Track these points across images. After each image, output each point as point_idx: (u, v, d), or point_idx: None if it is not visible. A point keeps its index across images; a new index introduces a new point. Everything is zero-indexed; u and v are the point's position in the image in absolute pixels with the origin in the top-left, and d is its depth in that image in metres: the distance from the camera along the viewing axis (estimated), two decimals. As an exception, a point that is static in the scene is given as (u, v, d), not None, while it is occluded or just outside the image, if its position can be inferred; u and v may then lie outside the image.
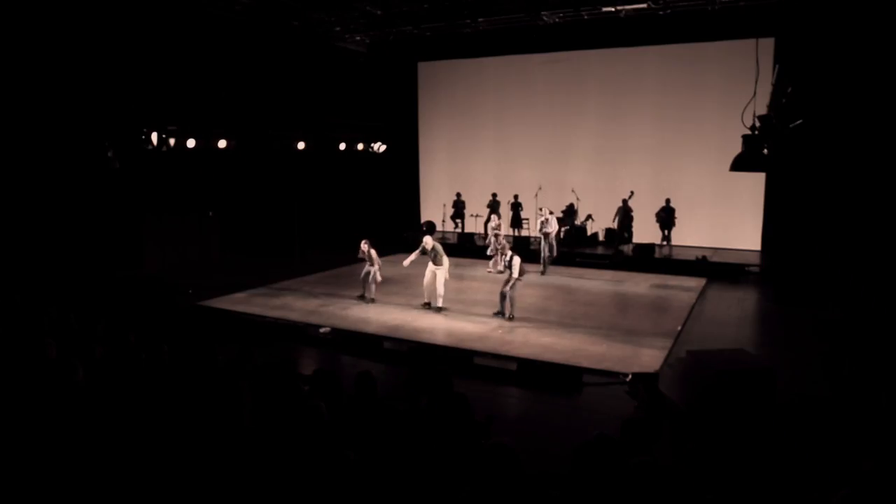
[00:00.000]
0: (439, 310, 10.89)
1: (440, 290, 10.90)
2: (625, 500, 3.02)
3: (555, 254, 14.63)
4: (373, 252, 11.44)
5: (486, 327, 10.06)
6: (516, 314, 10.48)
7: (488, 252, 15.17)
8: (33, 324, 6.64)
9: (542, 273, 14.14)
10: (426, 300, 11.11)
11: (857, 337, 9.35)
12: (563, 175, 17.91)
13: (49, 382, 4.27)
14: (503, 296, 10.47)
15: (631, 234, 16.66)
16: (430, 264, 10.99)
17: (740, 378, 6.37)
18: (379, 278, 11.53)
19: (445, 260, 10.93)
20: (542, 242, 14.34)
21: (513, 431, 4.61)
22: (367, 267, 11.60)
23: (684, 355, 7.49)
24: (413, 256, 11.17)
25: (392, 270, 12.20)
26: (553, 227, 14.49)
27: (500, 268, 10.64)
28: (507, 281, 10.40)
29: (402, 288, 12.63)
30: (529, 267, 11.12)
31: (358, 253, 11.60)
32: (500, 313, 10.49)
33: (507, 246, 10.71)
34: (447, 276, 10.99)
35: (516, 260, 10.28)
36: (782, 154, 7.16)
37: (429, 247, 10.93)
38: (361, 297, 11.71)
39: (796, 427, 5.86)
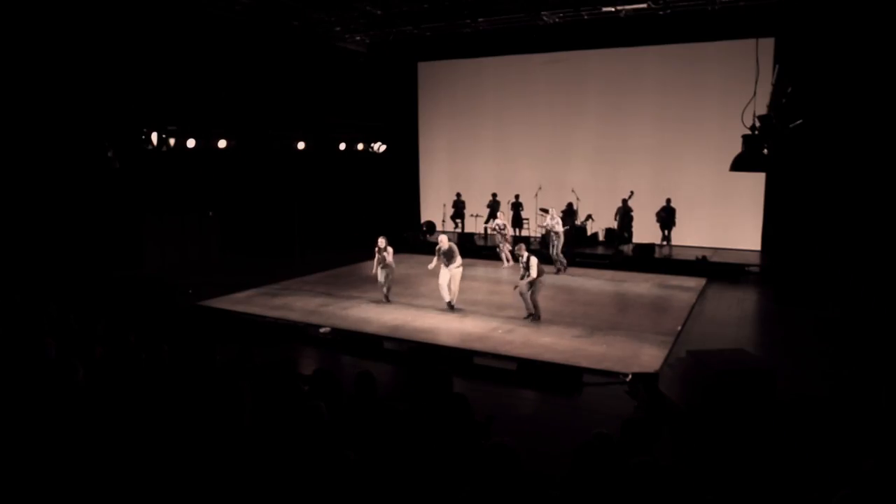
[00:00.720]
0: (452, 307, 10.93)
1: (455, 288, 10.92)
2: (625, 500, 3.02)
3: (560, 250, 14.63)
4: (390, 250, 11.35)
5: (486, 327, 10.06)
6: (518, 313, 10.51)
7: (511, 251, 15.13)
8: (33, 324, 6.64)
9: (559, 271, 14.27)
10: (447, 300, 11.02)
11: (857, 337, 9.35)
12: (563, 175, 17.91)
13: (49, 382, 4.26)
14: (525, 298, 10.35)
15: (631, 234, 16.67)
16: (443, 267, 10.92)
17: (740, 378, 6.37)
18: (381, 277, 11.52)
19: (458, 259, 10.88)
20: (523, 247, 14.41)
21: (513, 431, 4.60)
22: (379, 268, 11.46)
23: (684, 355, 7.49)
24: (435, 261, 11.07)
25: (392, 271, 12.19)
26: (557, 227, 14.56)
27: (521, 272, 10.46)
28: (530, 283, 10.22)
29: (403, 288, 12.63)
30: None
31: (375, 249, 11.38)
32: (531, 315, 10.34)
33: (523, 247, 10.54)
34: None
35: (533, 260, 10.16)
36: (782, 154, 7.17)
37: (445, 247, 10.87)
38: (387, 299, 11.64)
39: (796, 427, 5.86)
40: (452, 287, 10.92)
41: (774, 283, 13.03)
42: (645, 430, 3.71)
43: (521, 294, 10.38)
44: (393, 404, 4.41)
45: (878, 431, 5.62)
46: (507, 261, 15.25)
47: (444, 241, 10.99)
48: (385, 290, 11.60)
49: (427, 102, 20.53)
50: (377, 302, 11.66)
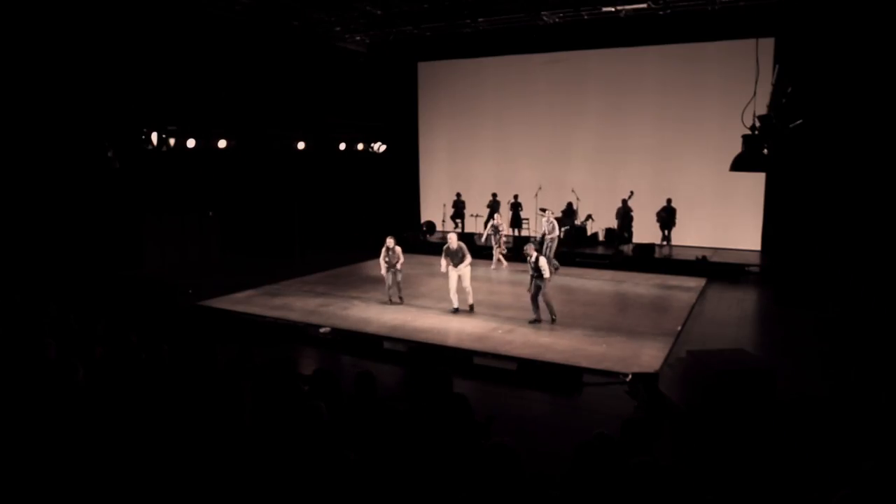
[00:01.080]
0: (471, 308, 10.80)
1: (466, 285, 10.79)
2: (625, 500, 3.02)
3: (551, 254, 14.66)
4: (398, 249, 11.25)
5: (486, 327, 10.06)
6: (518, 314, 10.47)
7: (504, 254, 15.23)
8: (33, 324, 6.64)
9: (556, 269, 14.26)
10: (455, 306, 10.86)
11: (857, 337, 9.35)
12: (563, 175, 17.91)
13: (49, 382, 4.27)
14: (536, 302, 10.16)
15: (631, 234, 16.67)
16: (451, 269, 10.78)
17: (740, 378, 6.37)
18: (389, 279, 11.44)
19: (468, 258, 10.75)
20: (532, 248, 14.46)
21: (513, 431, 4.60)
22: (388, 269, 11.31)
23: (684, 355, 7.49)
24: (444, 262, 10.90)
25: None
26: (553, 232, 14.56)
27: (530, 272, 10.27)
28: (539, 285, 10.06)
29: (403, 288, 12.60)
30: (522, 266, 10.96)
31: (383, 250, 11.25)
32: (536, 320, 10.17)
33: (532, 248, 10.27)
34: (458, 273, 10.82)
35: (543, 260, 10.05)
36: (782, 154, 7.16)
37: (454, 246, 10.74)
38: (391, 301, 11.50)
39: (796, 427, 5.86)
40: (464, 284, 10.77)
41: (774, 283, 13.03)
42: (645, 430, 3.70)
43: (545, 301, 10.10)
44: (393, 404, 4.41)
45: (878, 431, 5.62)
46: (501, 262, 15.24)
47: (452, 241, 10.86)
48: (396, 290, 11.47)
49: (427, 102, 20.52)
50: (379, 302, 11.65)
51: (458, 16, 15.27)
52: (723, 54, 15.41)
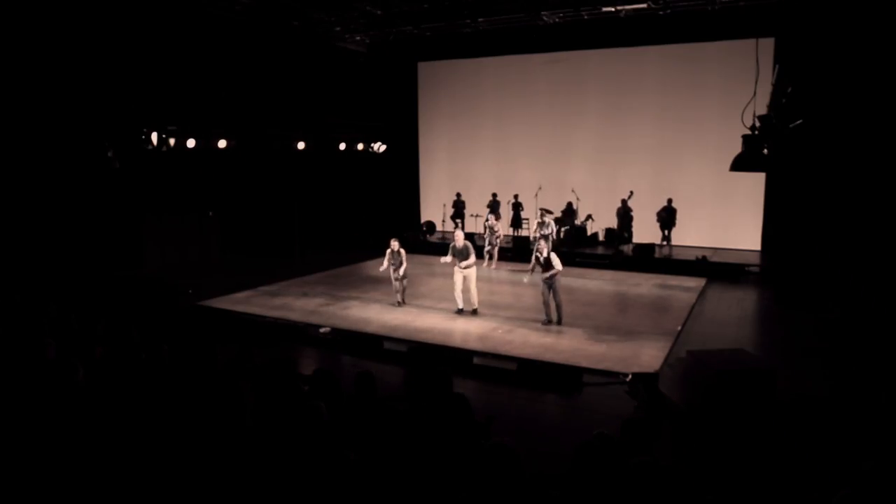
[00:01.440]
0: (475, 311, 10.70)
1: (474, 291, 10.70)
2: (625, 500, 3.02)
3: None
4: (403, 252, 11.15)
5: (486, 327, 10.06)
6: (518, 314, 10.46)
7: (485, 251, 15.27)
8: (33, 324, 6.64)
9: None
10: (460, 306, 10.78)
11: (857, 337, 9.35)
12: (563, 175, 17.91)
13: (49, 382, 4.27)
14: (547, 302, 10.06)
15: (631, 234, 16.67)
16: (456, 268, 10.70)
17: (740, 378, 6.37)
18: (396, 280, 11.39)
19: (473, 258, 10.66)
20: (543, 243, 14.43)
21: (513, 431, 4.60)
22: (394, 271, 11.22)
23: (684, 355, 7.49)
24: (449, 259, 10.82)
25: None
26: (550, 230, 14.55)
27: (533, 269, 10.04)
28: (549, 283, 9.95)
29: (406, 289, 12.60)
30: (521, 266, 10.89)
31: (387, 252, 11.16)
32: (550, 321, 10.11)
33: (542, 244, 10.12)
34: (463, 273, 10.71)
35: (554, 256, 9.97)
36: (782, 154, 7.16)
37: (460, 244, 10.66)
38: (402, 301, 11.41)
39: (796, 427, 5.87)
40: (469, 286, 10.69)
41: (774, 283, 13.03)
42: (645, 430, 3.71)
43: (556, 302, 10.03)
44: (393, 404, 4.41)
45: (878, 431, 5.62)
46: (484, 260, 15.18)
47: (459, 238, 10.80)
48: (401, 293, 11.42)
49: (427, 102, 20.52)
50: (379, 302, 11.64)
51: (458, 16, 15.27)
52: (723, 54, 15.41)
